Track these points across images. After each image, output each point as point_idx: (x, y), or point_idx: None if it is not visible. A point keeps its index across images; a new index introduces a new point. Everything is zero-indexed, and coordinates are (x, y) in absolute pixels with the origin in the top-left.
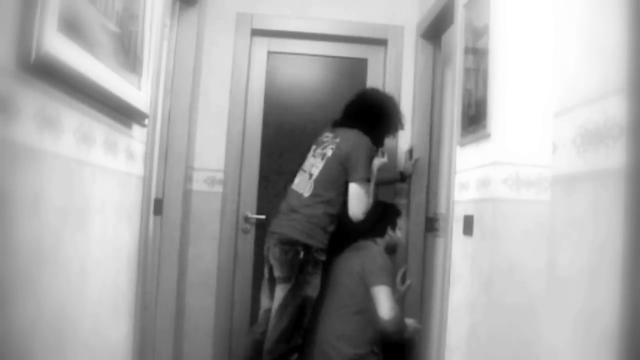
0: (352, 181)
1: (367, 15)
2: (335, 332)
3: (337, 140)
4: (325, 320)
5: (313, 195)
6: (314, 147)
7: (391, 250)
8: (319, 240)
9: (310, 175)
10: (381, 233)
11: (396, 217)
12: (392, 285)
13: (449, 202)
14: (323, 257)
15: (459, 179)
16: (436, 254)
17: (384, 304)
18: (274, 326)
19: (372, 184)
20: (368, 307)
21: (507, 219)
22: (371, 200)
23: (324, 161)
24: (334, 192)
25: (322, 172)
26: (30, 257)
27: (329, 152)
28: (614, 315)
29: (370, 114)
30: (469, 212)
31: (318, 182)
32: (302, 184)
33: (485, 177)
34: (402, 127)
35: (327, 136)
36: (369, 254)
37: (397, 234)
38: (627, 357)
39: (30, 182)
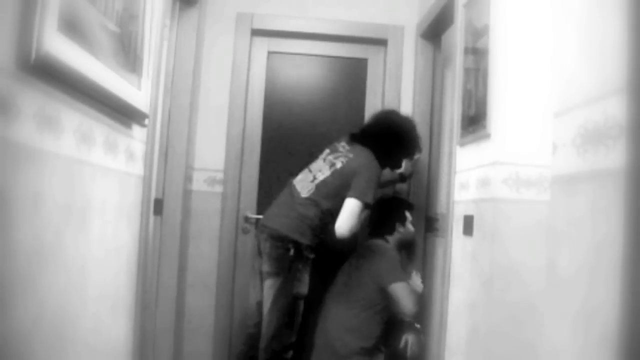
0: (350, 196)
1: (367, 15)
2: (343, 324)
3: (351, 155)
4: (333, 313)
5: (310, 198)
6: (327, 151)
7: (406, 245)
8: (308, 239)
9: (314, 178)
10: (390, 230)
11: (404, 211)
12: (405, 279)
13: (449, 202)
14: (311, 255)
15: (459, 179)
16: (436, 254)
17: (406, 300)
18: (267, 324)
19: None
20: (378, 303)
21: (507, 219)
22: (359, 227)
23: (330, 171)
24: (331, 204)
25: (326, 181)
26: (30, 257)
27: (339, 165)
28: (613, 314)
29: (389, 138)
30: (469, 212)
31: (319, 190)
32: (303, 184)
33: (485, 177)
34: (420, 151)
35: (344, 147)
36: (379, 256)
37: (409, 227)
38: (626, 355)
39: (31, 182)
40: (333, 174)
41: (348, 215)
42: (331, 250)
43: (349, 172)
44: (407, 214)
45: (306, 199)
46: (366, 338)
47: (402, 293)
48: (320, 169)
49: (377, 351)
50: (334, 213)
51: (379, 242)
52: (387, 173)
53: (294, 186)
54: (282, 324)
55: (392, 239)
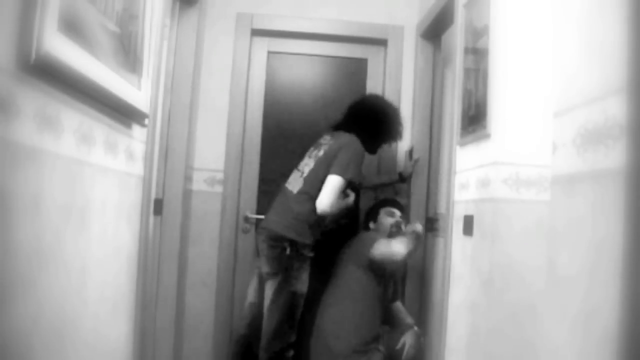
0: (331, 173)
1: (367, 15)
2: (337, 322)
3: (332, 142)
4: (328, 312)
5: (301, 192)
6: (312, 148)
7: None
8: (305, 237)
9: (302, 173)
10: (366, 228)
11: (377, 209)
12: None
13: (449, 202)
14: (310, 254)
15: (459, 179)
16: (436, 254)
17: (392, 248)
18: (266, 324)
19: (350, 197)
20: (372, 299)
21: (507, 219)
22: (341, 204)
23: (315, 160)
24: (321, 189)
25: (312, 170)
26: (30, 257)
27: (321, 153)
28: (612, 314)
29: (370, 121)
30: (469, 212)
31: (307, 180)
32: (294, 183)
33: (485, 177)
34: (400, 138)
35: (325, 139)
36: (358, 240)
37: (383, 221)
38: (626, 355)
39: (31, 182)
40: (317, 162)
41: (328, 191)
42: (332, 248)
43: (331, 154)
44: (382, 211)
45: (298, 194)
46: (362, 336)
47: (384, 247)
48: (307, 164)
49: (376, 351)
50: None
51: (364, 233)
52: (386, 176)
53: (286, 188)
54: (281, 322)
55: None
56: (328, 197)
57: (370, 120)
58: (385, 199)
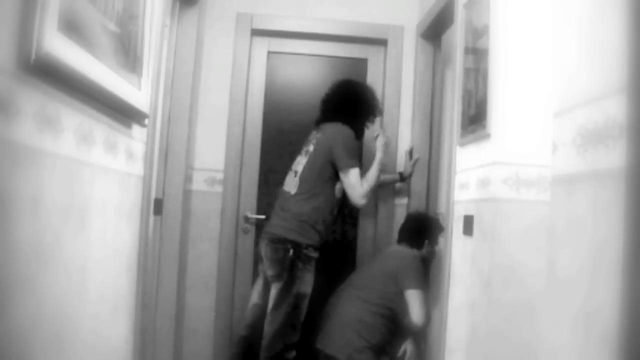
0: (342, 172)
1: (367, 15)
2: (361, 320)
3: (319, 135)
4: (352, 305)
5: (299, 192)
6: (303, 146)
7: (425, 261)
8: (308, 237)
9: (296, 172)
10: (418, 245)
11: (438, 233)
12: (424, 289)
13: (449, 202)
14: (314, 254)
15: (459, 179)
16: (436, 254)
17: (417, 308)
18: (269, 324)
19: (376, 170)
20: (393, 307)
21: (507, 219)
22: (369, 186)
23: (307, 157)
24: (319, 185)
25: (306, 167)
26: (30, 257)
27: (311, 148)
28: (613, 314)
29: (348, 105)
30: (469, 212)
31: (303, 178)
32: (290, 184)
33: (485, 177)
34: (380, 113)
35: (312, 134)
36: (405, 258)
37: (435, 250)
38: (626, 355)
39: (30, 182)
40: (309, 158)
41: (350, 189)
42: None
43: (323, 149)
44: (440, 240)
45: (296, 194)
46: (379, 340)
47: (415, 301)
48: (299, 162)
49: (383, 354)
50: (326, 193)
51: (407, 249)
52: (387, 174)
53: (283, 190)
54: (285, 323)
55: (418, 252)
56: (353, 193)
57: (348, 105)
58: (442, 226)
